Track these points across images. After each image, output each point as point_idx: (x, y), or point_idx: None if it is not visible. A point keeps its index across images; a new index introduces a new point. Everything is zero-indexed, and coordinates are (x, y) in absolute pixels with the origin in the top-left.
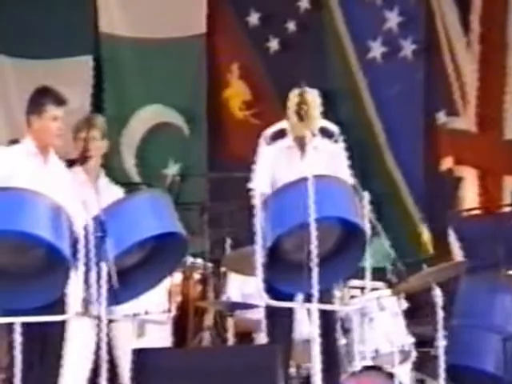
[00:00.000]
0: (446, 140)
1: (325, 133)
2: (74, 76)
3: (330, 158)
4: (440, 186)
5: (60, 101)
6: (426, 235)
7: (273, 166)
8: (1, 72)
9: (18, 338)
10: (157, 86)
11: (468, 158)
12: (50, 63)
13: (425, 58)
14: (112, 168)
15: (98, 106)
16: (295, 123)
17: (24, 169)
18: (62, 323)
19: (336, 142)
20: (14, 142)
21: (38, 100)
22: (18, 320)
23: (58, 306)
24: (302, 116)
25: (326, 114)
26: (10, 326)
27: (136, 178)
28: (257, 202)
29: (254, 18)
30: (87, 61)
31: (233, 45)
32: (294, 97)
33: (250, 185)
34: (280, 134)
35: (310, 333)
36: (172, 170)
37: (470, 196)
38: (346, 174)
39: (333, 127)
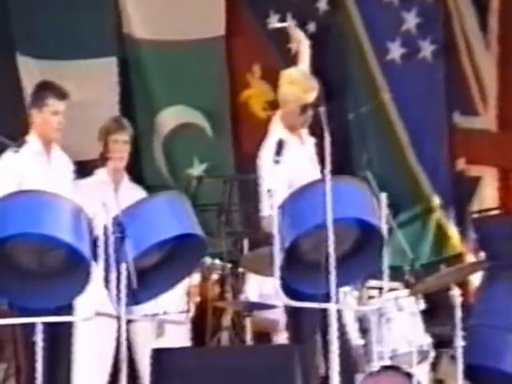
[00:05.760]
0: (459, 140)
1: None
2: (99, 77)
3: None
4: (462, 185)
5: (61, 95)
6: (454, 234)
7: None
8: (27, 74)
9: (39, 339)
10: (178, 87)
11: (488, 158)
12: (75, 64)
13: (444, 58)
14: (145, 168)
15: (125, 107)
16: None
17: (33, 170)
18: (70, 323)
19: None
20: (21, 143)
21: (39, 94)
22: (38, 320)
23: (66, 306)
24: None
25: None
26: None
27: (167, 177)
28: (274, 202)
29: (273, 20)
30: (112, 62)
31: (253, 46)
32: (305, 92)
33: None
34: (280, 146)
35: None
36: (197, 169)
37: (490, 195)
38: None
39: None
